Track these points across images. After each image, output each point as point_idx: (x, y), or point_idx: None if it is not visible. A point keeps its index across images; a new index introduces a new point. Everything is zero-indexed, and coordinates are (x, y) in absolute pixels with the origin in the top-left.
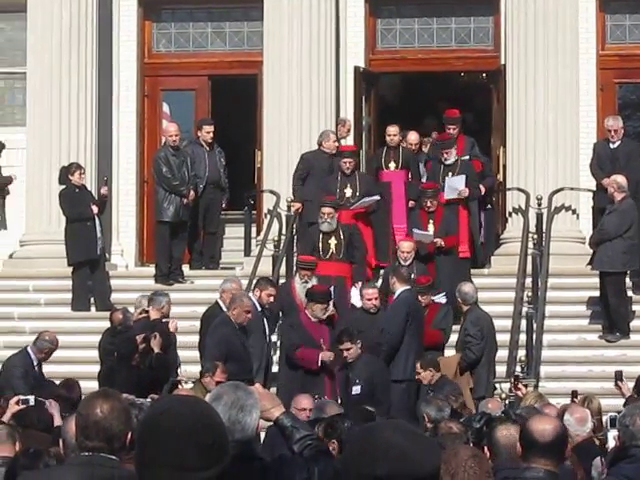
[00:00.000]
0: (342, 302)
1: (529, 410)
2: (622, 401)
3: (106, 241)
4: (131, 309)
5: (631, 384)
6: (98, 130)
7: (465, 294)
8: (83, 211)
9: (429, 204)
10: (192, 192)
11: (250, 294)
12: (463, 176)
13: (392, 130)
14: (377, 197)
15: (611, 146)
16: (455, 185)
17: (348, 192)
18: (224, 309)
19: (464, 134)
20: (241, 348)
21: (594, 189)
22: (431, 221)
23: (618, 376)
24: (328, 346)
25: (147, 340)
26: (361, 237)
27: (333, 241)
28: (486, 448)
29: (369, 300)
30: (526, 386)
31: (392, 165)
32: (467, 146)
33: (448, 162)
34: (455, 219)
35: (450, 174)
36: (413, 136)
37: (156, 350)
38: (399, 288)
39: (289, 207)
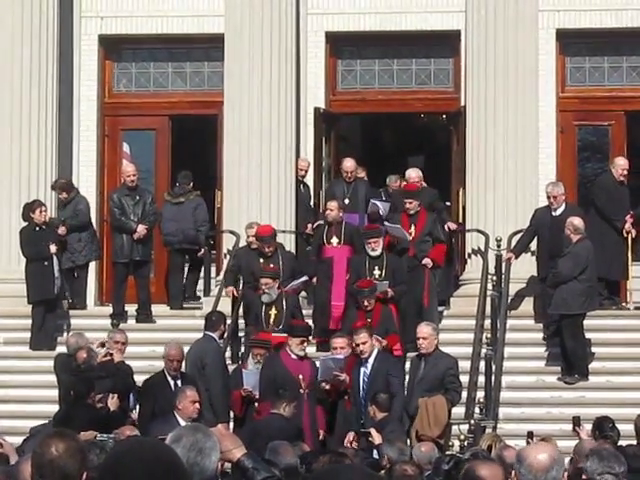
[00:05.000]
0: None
1: (477, 451)
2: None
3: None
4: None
5: (589, 426)
6: (58, 169)
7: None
8: (40, 250)
9: (366, 303)
10: (141, 227)
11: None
12: (386, 283)
13: (332, 205)
14: (305, 278)
15: (553, 213)
16: (381, 288)
17: None
18: (169, 379)
19: (426, 209)
20: None
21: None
22: (369, 320)
23: (576, 422)
24: (307, 383)
25: (104, 399)
26: (299, 308)
27: (273, 311)
28: None
29: (335, 349)
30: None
31: (334, 240)
32: (428, 223)
33: (374, 254)
34: (392, 317)
35: (376, 267)
36: (349, 163)
37: (112, 409)
38: (377, 347)
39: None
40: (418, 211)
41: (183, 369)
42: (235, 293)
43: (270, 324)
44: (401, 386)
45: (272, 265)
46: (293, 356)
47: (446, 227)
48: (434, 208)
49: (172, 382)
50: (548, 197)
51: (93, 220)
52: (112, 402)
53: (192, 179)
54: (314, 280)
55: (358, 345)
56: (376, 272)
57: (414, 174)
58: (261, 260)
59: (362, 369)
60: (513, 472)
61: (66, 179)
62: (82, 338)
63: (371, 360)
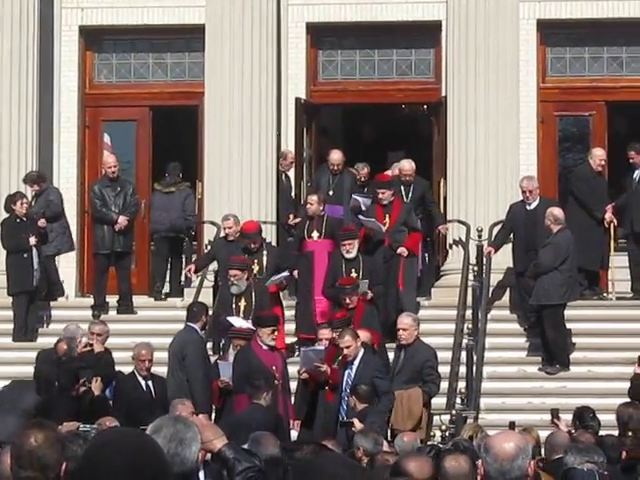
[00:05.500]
0: None
1: (458, 441)
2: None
3: None
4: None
5: (570, 416)
6: (39, 160)
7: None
8: (20, 242)
9: (348, 301)
10: (122, 218)
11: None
12: (366, 282)
13: (312, 199)
14: (286, 273)
15: (527, 207)
16: (362, 288)
17: (255, 268)
18: (140, 380)
19: (400, 199)
20: None
21: None
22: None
23: (554, 414)
24: (281, 375)
25: (88, 382)
26: (276, 298)
27: (242, 303)
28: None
29: (321, 340)
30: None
31: (315, 234)
32: (402, 213)
33: (349, 256)
34: (374, 314)
35: (353, 270)
36: (336, 155)
37: (96, 393)
38: (361, 348)
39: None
40: (392, 201)
41: (165, 360)
42: (192, 271)
43: (240, 316)
44: (388, 387)
45: (254, 258)
46: (264, 347)
47: (437, 230)
48: (425, 199)
49: (143, 382)
50: (523, 192)
51: (73, 211)
52: (96, 386)
53: (181, 170)
54: (295, 273)
55: (342, 349)
56: (353, 274)
57: (408, 165)
58: (246, 256)
59: (347, 371)
60: (480, 461)
61: (37, 171)
62: (78, 328)
63: (356, 362)
